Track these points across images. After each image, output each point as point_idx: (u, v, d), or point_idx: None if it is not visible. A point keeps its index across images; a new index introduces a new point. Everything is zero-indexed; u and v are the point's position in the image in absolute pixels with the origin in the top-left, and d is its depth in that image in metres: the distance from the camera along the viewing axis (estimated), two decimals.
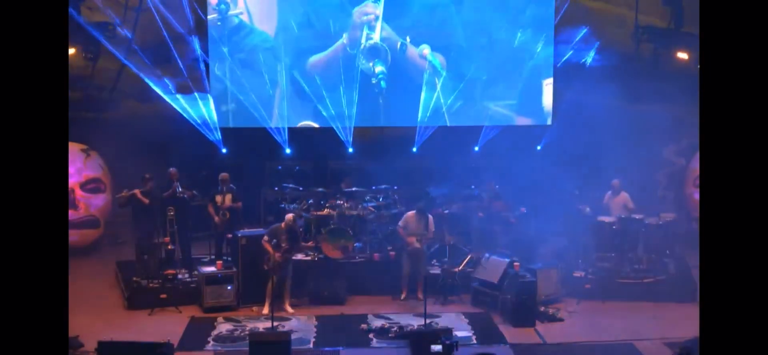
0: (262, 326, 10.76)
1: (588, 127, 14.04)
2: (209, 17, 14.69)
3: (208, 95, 14.79)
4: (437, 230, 12.47)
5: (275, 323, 10.59)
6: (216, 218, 12.67)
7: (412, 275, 11.96)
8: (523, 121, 15.56)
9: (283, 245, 11.27)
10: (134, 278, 12.02)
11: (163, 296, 11.42)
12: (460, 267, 12.24)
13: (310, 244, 12.12)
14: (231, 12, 14.73)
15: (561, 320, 11.11)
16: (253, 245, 11.71)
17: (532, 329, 10.76)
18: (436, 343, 8.82)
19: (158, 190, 12.40)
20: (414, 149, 15.24)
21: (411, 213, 12.07)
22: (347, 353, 10.03)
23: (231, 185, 12.87)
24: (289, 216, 11.50)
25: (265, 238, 11.40)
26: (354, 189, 13.61)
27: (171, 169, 12.58)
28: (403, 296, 11.91)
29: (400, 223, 12.09)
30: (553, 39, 15.25)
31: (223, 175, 12.90)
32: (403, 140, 15.23)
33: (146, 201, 12.24)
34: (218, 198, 12.75)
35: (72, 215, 13.45)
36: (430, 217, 12.11)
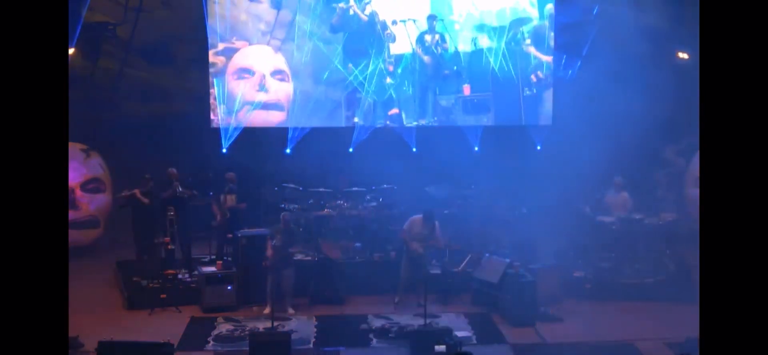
0: (262, 326, 10.75)
1: (588, 127, 14.03)
2: None
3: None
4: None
5: (275, 323, 10.59)
6: (217, 218, 12.67)
7: (410, 281, 11.62)
8: (523, 121, 15.58)
9: (277, 243, 11.30)
10: (134, 278, 12.03)
11: (163, 296, 11.42)
12: (460, 267, 12.22)
13: (292, 250, 11.60)
14: None
15: (561, 320, 11.11)
16: (254, 245, 11.72)
17: (532, 329, 10.76)
18: (439, 343, 8.82)
19: (158, 190, 12.40)
20: (414, 149, 15.25)
21: (417, 217, 11.59)
22: (347, 353, 10.04)
23: (232, 185, 12.87)
24: (283, 215, 11.57)
25: (268, 237, 11.47)
26: (354, 189, 13.60)
27: (170, 169, 12.57)
28: (396, 300, 11.62)
29: (405, 225, 11.69)
30: (553, 38, 15.30)
31: (230, 174, 12.92)
32: (402, 140, 15.23)
33: (146, 201, 12.24)
34: (221, 198, 12.76)
35: (72, 215, 13.43)
36: (437, 223, 11.65)
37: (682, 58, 14.77)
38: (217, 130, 14.92)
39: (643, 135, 14.35)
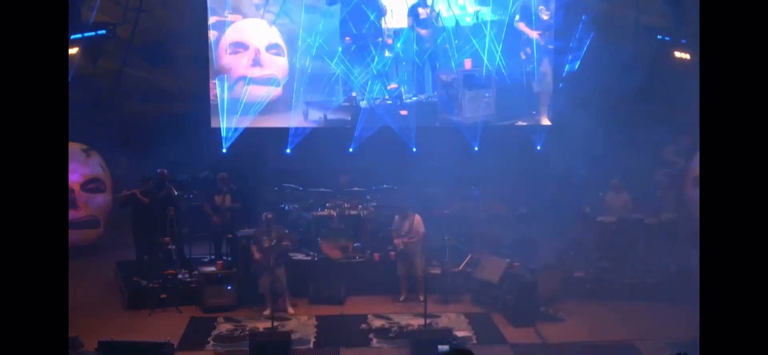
0: (262, 326, 10.75)
1: (588, 127, 14.04)
2: None
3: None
4: (437, 230, 12.45)
5: (275, 323, 10.59)
6: (214, 219, 12.67)
7: (406, 277, 11.93)
8: (522, 121, 15.55)
9: (265, 244, 11.29)
10: (134, 278, 12.02)
11: (163, 296, 11.43)
12: (460, 267, 12.22)
13: (286, 244, 11.58)
14: None
15: (561, 320, 11.11)
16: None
17: (532, 329, 10.76)
18: (443, 343, 8.84)
19: (157, 189, 12.40)
20: (414, 149, 15.24)
21: (397, 216, 12.11)
22: (347, 353, 10.03)
23: (231, 186, 12.87)
24: (266, 215, 11.54)
25: (252, 241, 11.46)
26: (354, 189, 13.60)
27: (161, 170, 12.54)
28: (402, 298, 11.88)
29: (392, 225, 12.13)
30: (553, 39, 15.30)
31: (222, 175, 12.90)
32: (402, 140, 15.23)
33: (146, 201, 12.23)
34: (217, 198, 12.75)
35: (72, 215, 13.42)
36: (416, 217, 11.98)
37: (682, 58, 14.75)
38: (218, 130, 14.92)
39: (643, 134, 14.35)
